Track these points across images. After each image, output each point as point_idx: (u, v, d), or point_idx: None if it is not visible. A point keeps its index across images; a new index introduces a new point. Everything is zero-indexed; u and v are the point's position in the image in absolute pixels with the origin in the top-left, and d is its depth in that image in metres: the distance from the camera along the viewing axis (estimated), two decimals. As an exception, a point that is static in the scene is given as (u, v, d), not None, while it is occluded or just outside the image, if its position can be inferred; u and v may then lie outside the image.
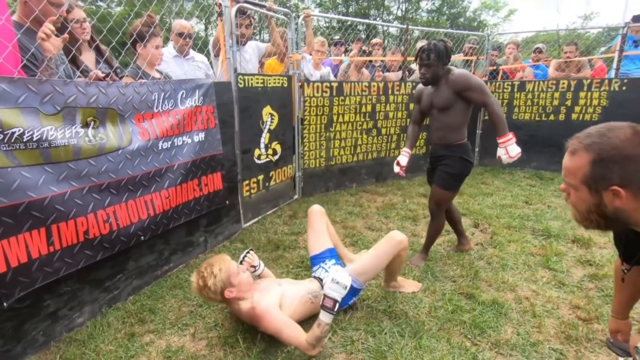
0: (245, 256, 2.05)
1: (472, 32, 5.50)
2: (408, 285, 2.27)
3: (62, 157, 1.73)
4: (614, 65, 4.58)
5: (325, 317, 1.58)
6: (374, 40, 5.17)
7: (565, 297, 2.17)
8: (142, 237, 2.15)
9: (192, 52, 3.24)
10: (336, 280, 1.58)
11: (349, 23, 4.78)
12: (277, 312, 1.71)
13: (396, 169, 2.62)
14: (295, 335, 1.64)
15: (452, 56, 5.22)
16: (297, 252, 2.78)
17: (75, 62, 2.08)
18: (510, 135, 2.22)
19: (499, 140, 2.24)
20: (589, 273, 2.44)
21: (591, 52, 6.01)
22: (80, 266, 1.84)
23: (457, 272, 2.47)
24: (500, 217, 3.41)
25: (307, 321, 1.86)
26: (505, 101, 5.10)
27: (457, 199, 3.98)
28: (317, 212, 2.29)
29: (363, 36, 5.55)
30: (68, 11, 2.09)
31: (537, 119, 4.95)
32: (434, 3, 24.61)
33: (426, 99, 2.46)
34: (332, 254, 2.18)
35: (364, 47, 4.66)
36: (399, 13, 25.06)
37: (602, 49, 5.95)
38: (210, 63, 3.56)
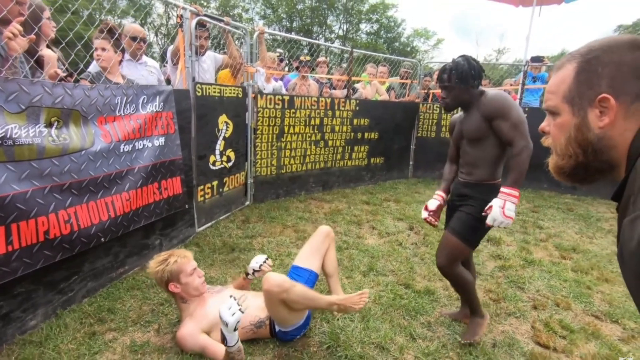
0: (263, 263, 2.10)
1: (407, 59, 6.16)
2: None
3: (25, 156, 1.73)
4: (519, 95, 5.51)
5: (226, 347, 1.55)
6: (320, 59, 5.56)
7: (481, 284, 2.64)
8: (102, 239, 2.16)
9: (145, 57, 3.26)
10: (220, 314, 1.50)
11: (294, 39, 5.03)
12: (194, 339, 1.74)
13: (424, 214, 2.10)
14: (213, 356, 1.71)
15: (389, 78, 5.90)
16: (252, 254, 2.92)
17: (38, 61, 2.05)
18: (518, 193, 1.74)
19: (504, 190, 1.75)
20: (499, 265, 2.97)
21: (502, 82, 7.09)
22: (38, 266, 1.82)
23: (396, 266, 2.84)
24: (430, 221, 3.90)
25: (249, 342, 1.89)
26: (434, 121, 5.80)
27: (395, 205, 4.46)
28: (323, 231, 2.21)
29: (305, 51, 5.82)
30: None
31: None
32: (372, 27, 26.37)
33: (457, 127, 2.03)
34: (311, 278, 2.10)
35: (301, 58, 4.92)
36: (340, 32, 26.39)
37: (512, 80, 7.07)
38: (161, 69, 3.60)
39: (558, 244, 3.44)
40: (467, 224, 1.90)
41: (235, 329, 1.52)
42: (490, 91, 1.87)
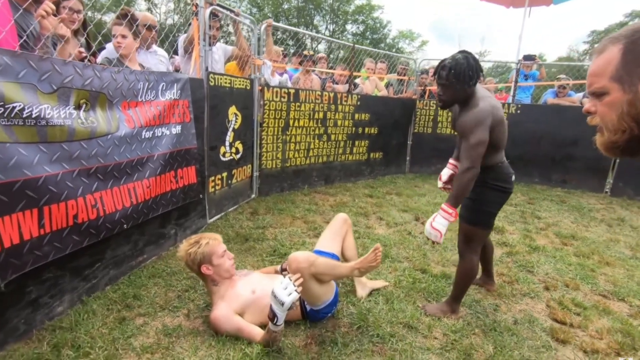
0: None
1: (403, 56, 6.28)
2: (377, 283, 2.36)
3: (57, 137, 1.70)
4: (511, 93, 5.70)
5: (271, 325, 1.61)
6: (320, 55, 5.62)
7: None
8: (124, 225, 2.13)
9: (154, 46, 3.23)
10: (274, 293, 1.56)
11: (278, 35, 5.05)
12: (229, 320, 1.75)
13: (440, 184, 2.31)
14: (249, 337, 1.73)
15: (387, 75, 5.99)
16: (267, 243, 2.94)
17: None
18: (452, 211, 1.84)
19: (442, 205, 1.87)
20: (506, 251, 3.08)
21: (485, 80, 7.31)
22: (67, 251, 1.78)
23: (410, 253, 2.91)
24: (434, 211, 3.99)
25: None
26: (431, 117, 5.93)
27: (397, 197, 4.55)
28: (341, 218, 2.36)
29: (291, 50, 5.82)
30: None
31: (455, 133, 5.85)
32: (358, 27, 26.63)
33: (453, 115, 2.07)
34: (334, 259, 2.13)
35: (305, 52, 4.98)
36: (327, 33, 26.53)
37: (495, 79, 7.32)
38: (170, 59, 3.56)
39: (557, 232, 3.59)
40: (471, 208, 2.02)
41: (290, 308, 1.54)
42: (481, 104, 1.83)
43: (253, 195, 4.11)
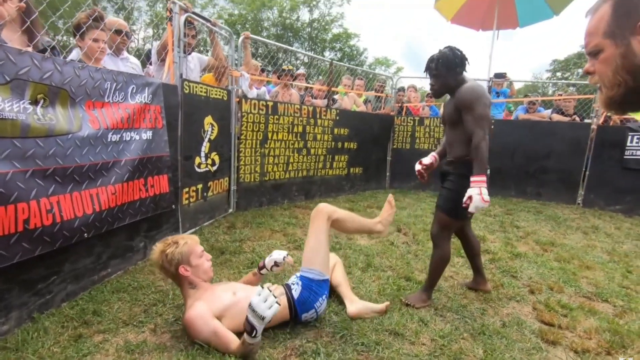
0: (285, 257, 2.03)
1: (380, 73, 6.42)
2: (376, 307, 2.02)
3: (7, 132, 1.55)
4: (484, 108, 5.88)
5: (247, 338, 1.48)
6: (299, 71, 5.67)
7: (477, 274, 2.67)
8: (85, 234, 1.95)
9: (126, 53, 3.13)
10: (253, 307, 1.43)
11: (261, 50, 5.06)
12: (206, 321, 1.60)
13: (417, 166, 2.38)
14: (223, 346, 1.57)
15: (365, 92, 6.09)
16: (244, 256, 2.78)
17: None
18: (485, 178, 1.91)
19: (475, 179, 1.91)
20: (488, 258, 3.04)
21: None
22: (15, 260, 1.59)
23: (393, 262, 2.82)
24: (416, 224, 3.95)
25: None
26: (409, 133, 6.01)
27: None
28: (318, 213, 2.00)
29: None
30: None
31: (433, 148, 5.95)
32: (336, 54, 27.46)
33: (443, 109, 2.21)
34: (325, 283, 1.95)
35: (284, 67, 5.01)
36: (305, 59, 27.21)
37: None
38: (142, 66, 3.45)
39: (537, 240, 3.60)
40: (448, 198, 2.10)
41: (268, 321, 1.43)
42: (468, 83, 2.01)
43: (230, 210, 3.95)
